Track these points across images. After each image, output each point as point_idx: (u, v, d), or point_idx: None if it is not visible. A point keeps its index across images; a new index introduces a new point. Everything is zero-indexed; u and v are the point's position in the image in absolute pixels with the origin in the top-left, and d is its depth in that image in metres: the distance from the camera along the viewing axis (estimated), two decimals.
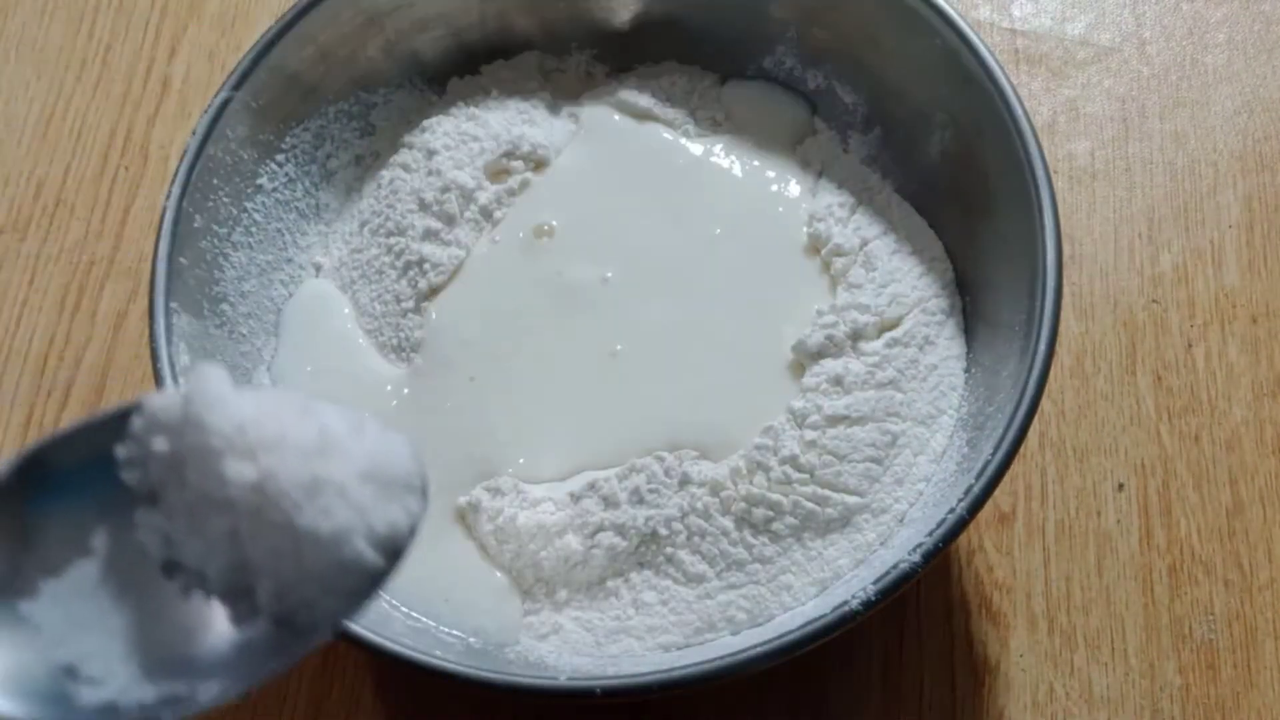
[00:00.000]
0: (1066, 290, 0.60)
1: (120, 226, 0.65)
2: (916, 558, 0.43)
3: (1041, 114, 0.66)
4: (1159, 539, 0.56)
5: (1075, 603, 0.55)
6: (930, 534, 0.44)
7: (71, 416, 0.60)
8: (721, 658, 0.43)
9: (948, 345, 0.53)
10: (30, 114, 0.68)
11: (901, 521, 0.50)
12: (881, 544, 0.49)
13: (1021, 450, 0.45)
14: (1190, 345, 0.60)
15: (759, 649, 0.42)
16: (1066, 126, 0.66)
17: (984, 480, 0.44)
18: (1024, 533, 0.56)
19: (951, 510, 0.44)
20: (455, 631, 0.49)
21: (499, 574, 0.51)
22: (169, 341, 0.48)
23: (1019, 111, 0.50)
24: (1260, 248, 0.62)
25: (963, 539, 0.56)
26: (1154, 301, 0.61)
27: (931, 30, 0.53)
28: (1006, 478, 0.45)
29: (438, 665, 0.43)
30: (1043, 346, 0.46)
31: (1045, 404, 0.58)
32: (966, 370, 0.53)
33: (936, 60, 0.53)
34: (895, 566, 0.43)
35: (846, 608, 0.43)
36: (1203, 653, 0.54)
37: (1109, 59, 0.67)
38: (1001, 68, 0.51)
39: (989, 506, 0.55)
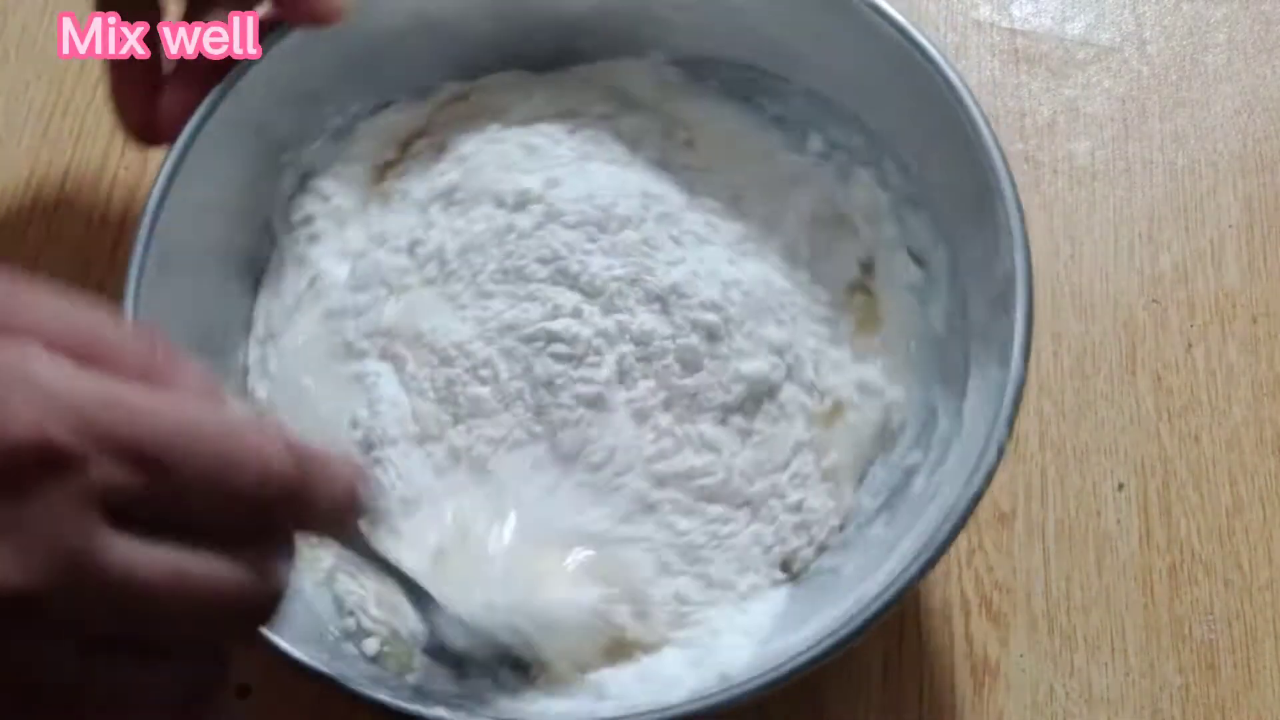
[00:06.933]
0: (1066, 290, 0.61)
1: (120, 227, 0.65)
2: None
3: (1041, 114, 0.66)
4: (1159, 539, 0.56)
5: (1075, 603, 0.55)
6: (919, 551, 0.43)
7: None
8: (723, 690, 0.42)
9: None
10: (30, 114, 0.68)
11: None
12: None
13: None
14: (1190, 345, 0.60)
15: (762, 678, 0.42)
16: (1066, 126, 0.66)
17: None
18: (1024, 533, 0.56)
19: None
20: None
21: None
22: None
23: (977, 117, 0.47)
24: (1260, 248, 0.62)
25: (963, 539, 0.56)
26: (1154, 301, 0.61)
27: (872, 34, 0.50)
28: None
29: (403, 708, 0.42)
30: (1016, 352, 0.44)
31: (1045, 404, 0.58)
32: None
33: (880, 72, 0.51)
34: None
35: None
36: (1203, 653, 0.54)
37: (1109, 59, 0.67)
38: (956, 71, 0.48)
39: (989, 507, 0.55)
